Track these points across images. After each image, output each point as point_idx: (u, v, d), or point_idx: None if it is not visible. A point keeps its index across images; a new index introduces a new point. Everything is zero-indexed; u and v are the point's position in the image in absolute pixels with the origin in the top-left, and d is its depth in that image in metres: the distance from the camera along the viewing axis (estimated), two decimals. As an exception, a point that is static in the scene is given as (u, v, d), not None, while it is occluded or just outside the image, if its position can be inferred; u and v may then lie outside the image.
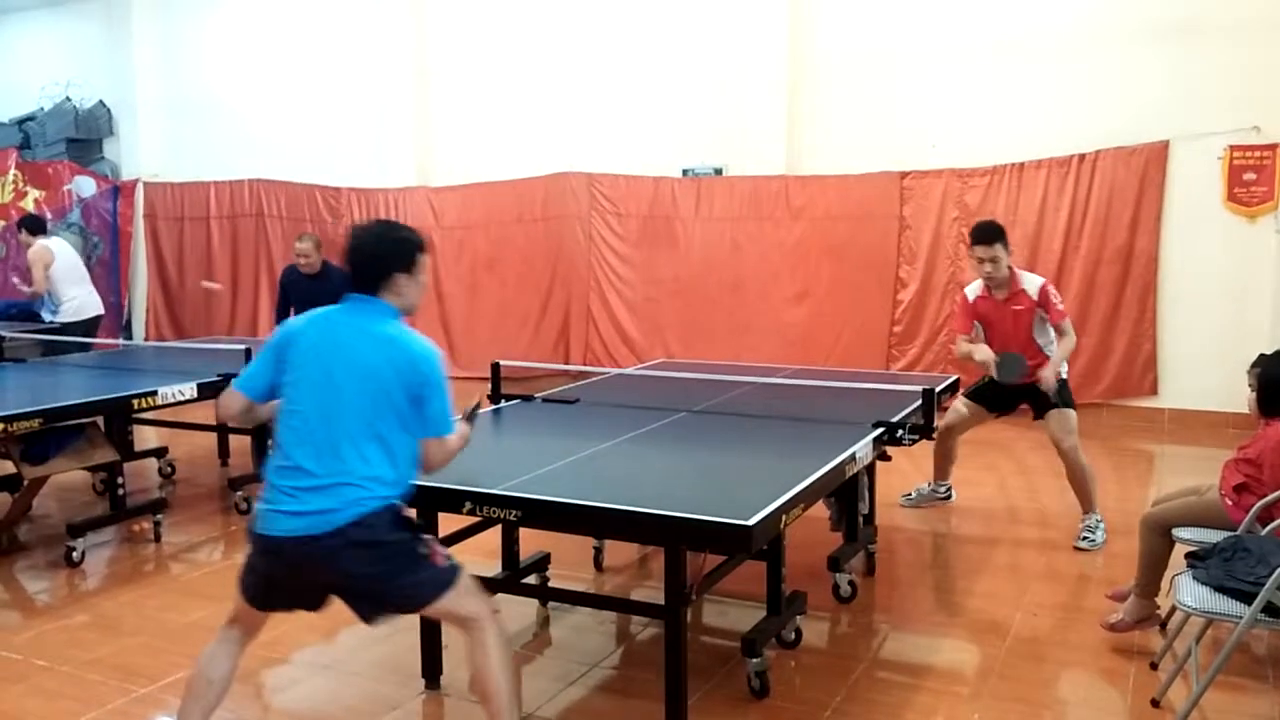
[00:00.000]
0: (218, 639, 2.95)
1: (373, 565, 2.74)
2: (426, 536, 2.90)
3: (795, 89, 9.18)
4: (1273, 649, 3.96)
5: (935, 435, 4.61)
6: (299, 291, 6.87)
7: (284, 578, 2.85)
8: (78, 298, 8.13)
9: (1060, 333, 5.22)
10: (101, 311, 8.46)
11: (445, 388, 2.85)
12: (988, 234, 5.18)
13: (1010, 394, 5.40)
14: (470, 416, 3.12)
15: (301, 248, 7.02)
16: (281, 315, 7.03)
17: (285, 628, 4.13)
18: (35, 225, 8.35)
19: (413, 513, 3.04)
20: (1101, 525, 5.27)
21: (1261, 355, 4.05)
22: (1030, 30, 8.41)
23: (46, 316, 9.41)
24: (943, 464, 5.89)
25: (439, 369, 2.84)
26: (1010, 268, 5.26)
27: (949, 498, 5.99)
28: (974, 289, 5.40)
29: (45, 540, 5.42)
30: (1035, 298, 5.20)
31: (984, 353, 5.24)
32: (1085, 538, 5.20)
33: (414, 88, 10.90)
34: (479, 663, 2.86)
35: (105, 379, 5.84)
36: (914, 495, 6.00)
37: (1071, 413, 5.27)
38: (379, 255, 2.91)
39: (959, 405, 5.62)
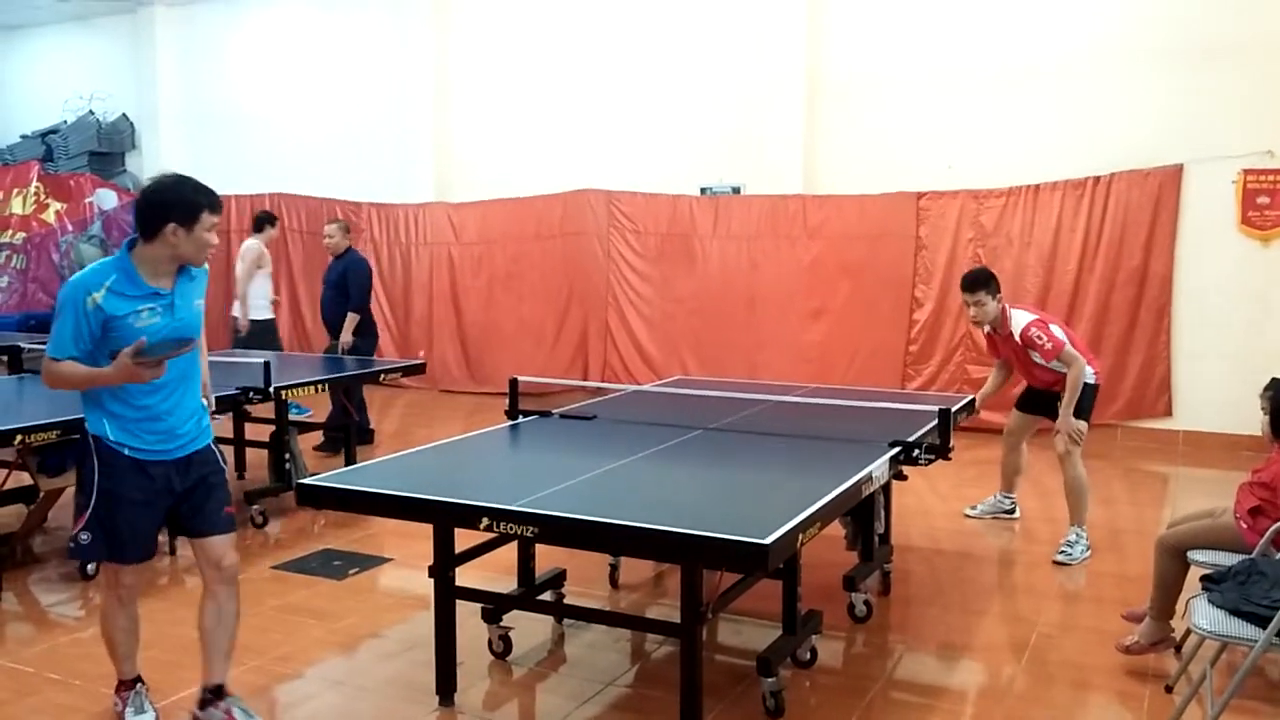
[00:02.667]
0: None
1: None
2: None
3: (813, 109, 9.23)
4: (1290, 674, 3.94)
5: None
6: (326, 271, 8.09)
7: None
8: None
9: (1064, 365, 5.25)
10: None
11: (57, 313, 3.15)
12: (968, 283, 5.47)
13: (1042, 400, 5.56)
14: (139, 354, 3.08)
15: (328, 229, 8.01)
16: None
17: (299, 643, 4.15)
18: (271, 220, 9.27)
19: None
20: (1083, 540, 5.33)
21: (1274, 379, 4.05)
22: (1046, 54, 8.43)
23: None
24: (1008, 475, 6.02)
25: (61, 296, 3.17)
26: (1004, 308, 5.44)
27: (1013, 512, 6.05)
28: None
29: (59, 553, 5.45)
30: (1019, 341, 5.34)
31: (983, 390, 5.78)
32: (1064, 552, 5.28)
33: (434, 104, 11.00)
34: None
35: (125, 391, 5.87)
36: (979, 508, 6.11)
37: (1079, 423, 5.29)
38: (157, 205, 3.17)
39: (1012, 415, 5.90)
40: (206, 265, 3.39)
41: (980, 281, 5.42)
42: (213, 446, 3.46)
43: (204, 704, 3.42)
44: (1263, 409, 3.95)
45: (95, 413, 3.25)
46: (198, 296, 3.34)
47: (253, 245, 8.91)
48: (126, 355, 3.06)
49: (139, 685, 3.51)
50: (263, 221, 9.04)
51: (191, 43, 12.52)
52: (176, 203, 3.16)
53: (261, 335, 8.86)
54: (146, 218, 3.18)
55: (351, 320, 7.67)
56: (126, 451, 3.23)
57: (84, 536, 3.27)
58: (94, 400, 3.25)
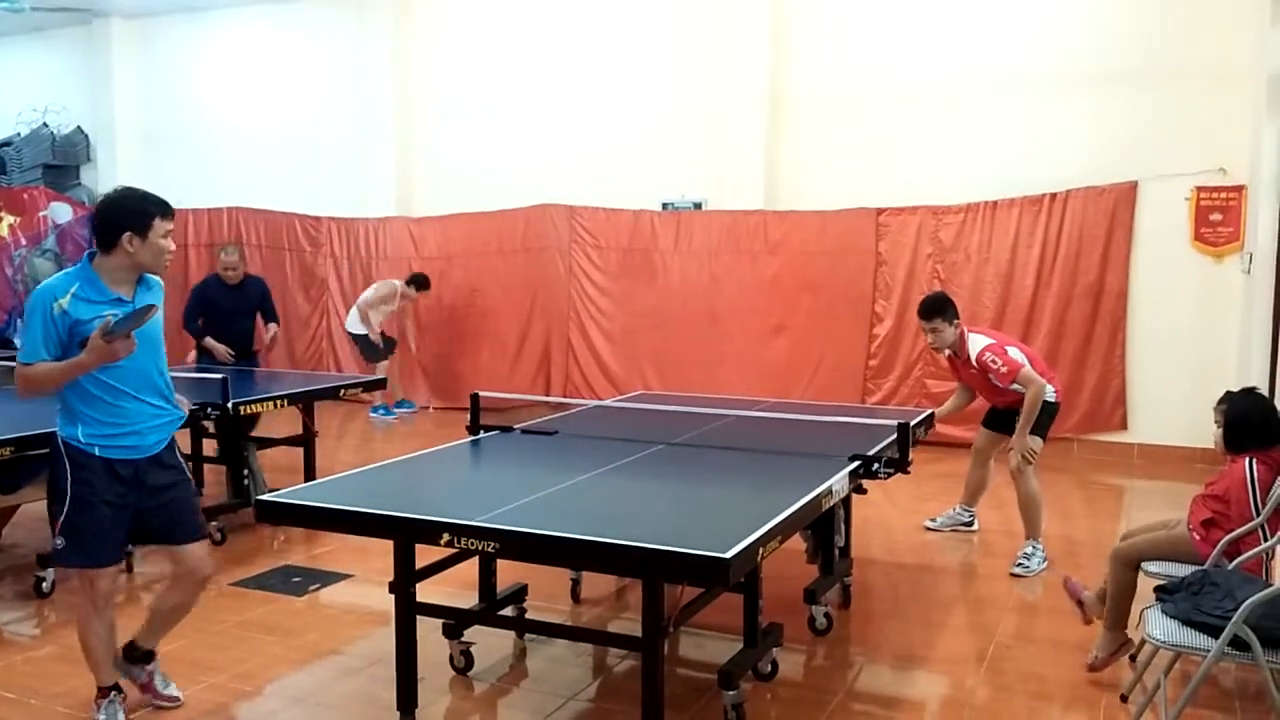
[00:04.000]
0: None
1: None
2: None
3: (775, 125, 9.31)
4: (1240, 682, 4.01)
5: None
6: (223, 300, 7.31)
7: None
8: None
9: (1023, 386, 5.30)
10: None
11: (31, 319, 3.28)
12: (925, 310, 5.53)
13: (1007, 419, 5.58)
14: (108, 332, 3.20)
15: (230, 260, 7.36)
16: (191, 322, 7.33)
17: (259, 660, 4.11)
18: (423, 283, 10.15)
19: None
20: (1039, 553, 5.42)
21: (1228, 392, 4.13)
22: (1004, 72, 8.57)
23: (19, 343, 9.28)
24: (971, 489, 6.08)
25: (29, 304, 3.32)
26: (961, 332, 5.49)
27: (972, 524, 6.11)
28: None
29: (14, 570, 5.37)
30: (975, 366, 5.41)
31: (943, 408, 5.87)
32: (1020, 564, 5.35)
33: (395, 117, 10.96)
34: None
35: (80, 407, 5.79)
36: (938, 521, 6.16)
37: (1036, 441, 5.36)
38: (111, 217, 3.30)
39: (979, 433, 5.96)
40: (160, 279, 3.52)
41: (936, 308, 5.45)
42: (175, 447, 3.57)
43: (134, 659, 3.69)
44: (1216, 422, 4.02)
45: (67, 417, 3.38)
46: (156, 302, 3.42)
47: (396, 287, 10.02)
48: (96, 336, 3.19)
49: (113, 694, 3.55)
50: (420, 283, 10.08)
51: (148, 55, 12.39)
52: (129, 213, 3.31)
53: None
54: (102, 230, 3.32)
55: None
56: (97, 451, 3.35)
57: (59, 542, 3.38)
58: (66, 405, 3.37)
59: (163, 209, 3.35)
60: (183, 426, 3.64)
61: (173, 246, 3.40)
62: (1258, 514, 3.72)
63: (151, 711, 3.67)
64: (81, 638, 3.51)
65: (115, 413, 3.35)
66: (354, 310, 10.05)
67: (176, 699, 3.69)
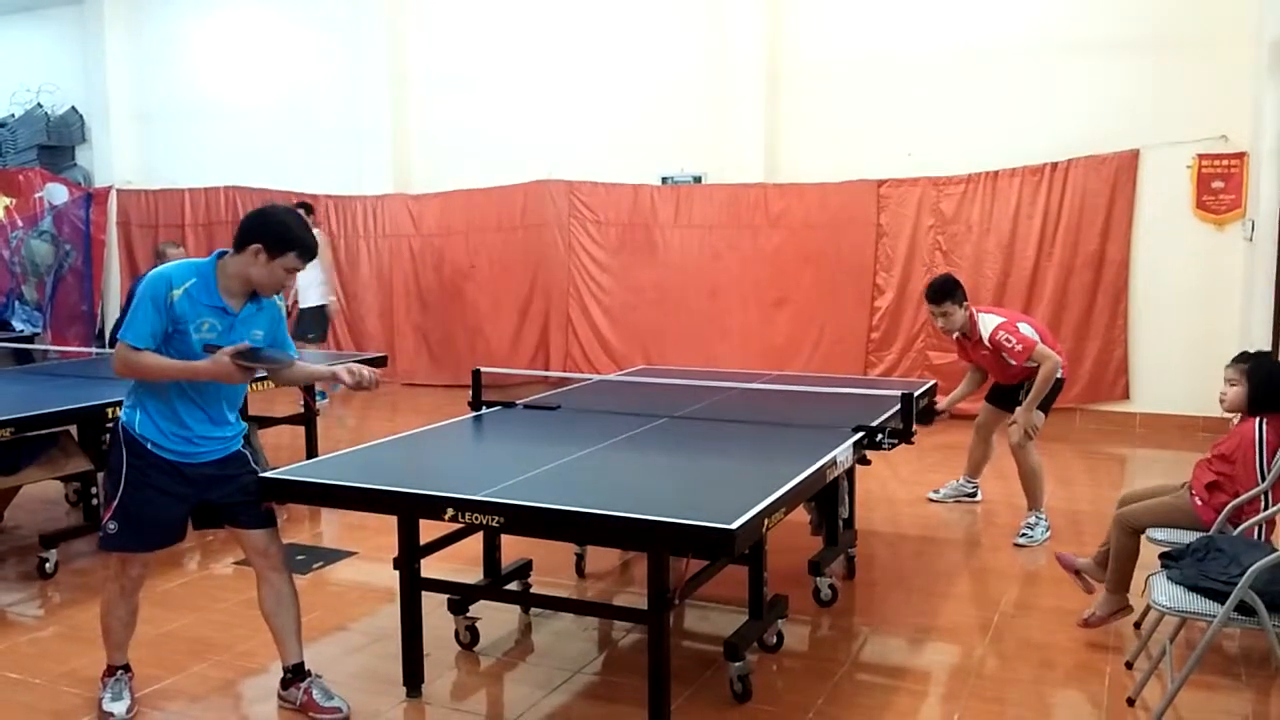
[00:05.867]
0: None
1: None
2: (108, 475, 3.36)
3: (774, 98, 9.24)
4: (1245, 648, 4.01)
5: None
6: None
7: None
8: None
9: (1036, 362, 5.28)
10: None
11: (138, 300, 3.18)
12: (933, 294, 5.44)
13: (1010, 395, 5.58)
14: (241, 355, 3.21)
15: (175, 254, 7.11)
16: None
17: (263, 638, 4.11)
18: (308, 210, 9.38)
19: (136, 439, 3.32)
20: (1043, 523, 5.42)
21: (1244, 352, 4.11)
22: (1004, 41, 8.51)
23: (17, 325, 9.28)
24: (974, 462, 6.07)
25: (140, 286, 3.23)
26: (971, 313, 5.43)
27: (975, 496, 6.10)
28: None
29: (17, 551, 5.37)
30: (989, 346, 5.35)
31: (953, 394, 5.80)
32: (1024, 534, 5.35)
33: (392, 94, 10.88)
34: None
35: (78, 388, 5.77)
36: (942, 492, 6.15)
37: (1039, 416, 5.35)
38: (256, 224, 3.25)
39: (982, 408, 5.94)
40: (281, 304, 3.49)
41: (946, 291, 5.37)
42: (243, 451, 3.48)
43: (286, 684, 3.53)
44: (1229, 380, 3.99)
45: (133, 404, 3.33)
46: (259, 327, 3.37)
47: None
48: (227, 353, 3.17)
49: (120, 673, 3.53)
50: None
51: (141, 34, 12.29)
52: (272, 230, 3.23)
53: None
54: (243, 231, 3.25)
55: None
56: (150, 447, 3.29)
57: (111, 526, 3.32)
58: (136, 392, 3.33)
59: (303, 248, 3.27)
60: None
61: (292, 282, 3.35)
62: (1262, 478, 3.72)
63: (155, 692, 3.67)
64: (103, 618, 3.49)
65: (175, 418, 3.29)
66: (321, 282, 9.65)
67: (339, 710, 3.44)
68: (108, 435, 3.44)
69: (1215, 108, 7.89)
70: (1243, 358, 4.04)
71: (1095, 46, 8.23)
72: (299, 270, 3.32)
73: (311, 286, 9.49)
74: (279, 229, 3.22)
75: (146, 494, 3.29)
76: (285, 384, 3.42)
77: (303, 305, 9.53)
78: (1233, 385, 3.98)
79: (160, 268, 3.27)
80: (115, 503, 3.30)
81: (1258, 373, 3.91)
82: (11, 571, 5.09)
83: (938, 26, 8.71)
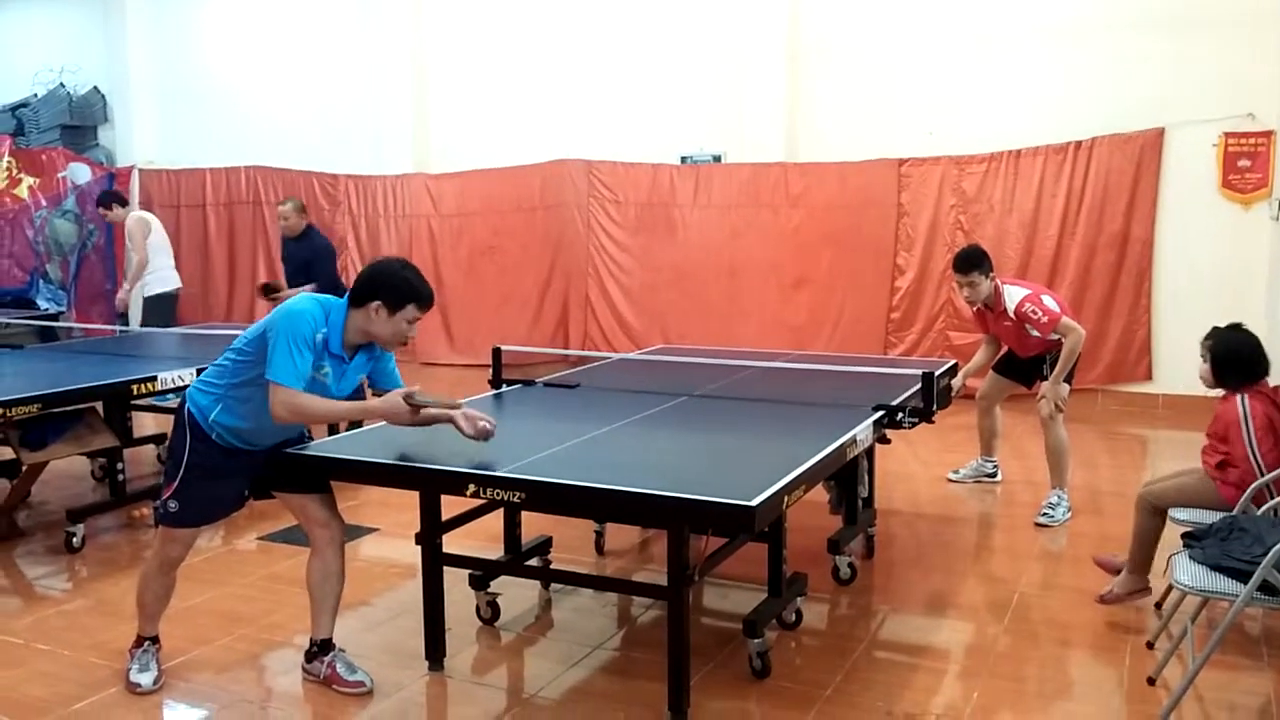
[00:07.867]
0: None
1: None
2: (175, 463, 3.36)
3: (794, 76, 9.19)
4: (1267, 629, 4.00)
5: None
6: (282, 252, 7.76)
7: None
8: (166, 268, 8.48)
9: (1062, 334, 5.26)
10: (180, 285, 8.73)
11: (285, 338, 3.14)
12: (962, 263, 5.41)
13: (1022, 367, 5.57)
14: (414, 401, 3.25)
15: (280, 210, 7.53)
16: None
17: (287, 612, 4.16)
18: (118, 198, 8.77)
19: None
20: (1064, 502, 5.39)
21: (1214, 328, 4.07)
22: (1028, 18, 8.41)
23: (42, 304, 9.35)
24: (985, 439, 6.04)
25: (282, 321, 3.17)
26: (996, 285, 5.40)
27: (995, 475, 6.08)
28: None
29: (45, 526, 5.44)
30: (1013, 317, 5.33)
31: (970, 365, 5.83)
32: (1045, 514, 5.33)
33: (411, 74, 10.87)
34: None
35: (104, 365, 5.84)
36: (961, 473, 6.14)
37: (1065, 388, 5.33)
38: (372, 279, 3.26)
39: (987, 378, 5.89)
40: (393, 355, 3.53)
41: (974, 261, 5.36)
42: (304, 433, 3.56)
43: (310, 657, 3.57)
44: (1202, 356, 3.99)
45: (212, 392, 3.34)
46: (362, 372, 3.43)
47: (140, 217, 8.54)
48: (400, 394, 3.25)
49: (148, 644, 3.59)
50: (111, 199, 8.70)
51: (163, 13, 12.31)
52: (390, 285, 3.24)
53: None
54: (359, 287, 3.26)
55: None
56: (215, 436, 3.34)
57: (172, 505, 3.36)
58: (221, 383, 3.34)
59: (420, 298, 3.27)
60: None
61: (413, 334, 3.32)
62: (1253, 452, 3.72)
63: (181, 664, 3.72)
64: (139, 590, 3.55)
65: (252, 420, 3.30)
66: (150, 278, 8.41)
67: (362, 684, 3.47)
68: (173, 414, 3.45)
69: (1242, 85, 7.79)
70: (1210, 334, 4.03)
71: (1120, 23, 8.13)
72: (419, 319, 3.33)
73: (154, 273, 8.40)
74: (397, 283, 3.23)
75: (208, 475, 3.35)
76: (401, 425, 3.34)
77: (147, 294, 8.40)
78: (1204, 361, 3.98)
79: (299, 306, 3.23)
80: (176, 483, 3.34)
81: (1217, 347, 3.93)
82: (39, 546, 5.16)
83: (959, 3, 8.63)
